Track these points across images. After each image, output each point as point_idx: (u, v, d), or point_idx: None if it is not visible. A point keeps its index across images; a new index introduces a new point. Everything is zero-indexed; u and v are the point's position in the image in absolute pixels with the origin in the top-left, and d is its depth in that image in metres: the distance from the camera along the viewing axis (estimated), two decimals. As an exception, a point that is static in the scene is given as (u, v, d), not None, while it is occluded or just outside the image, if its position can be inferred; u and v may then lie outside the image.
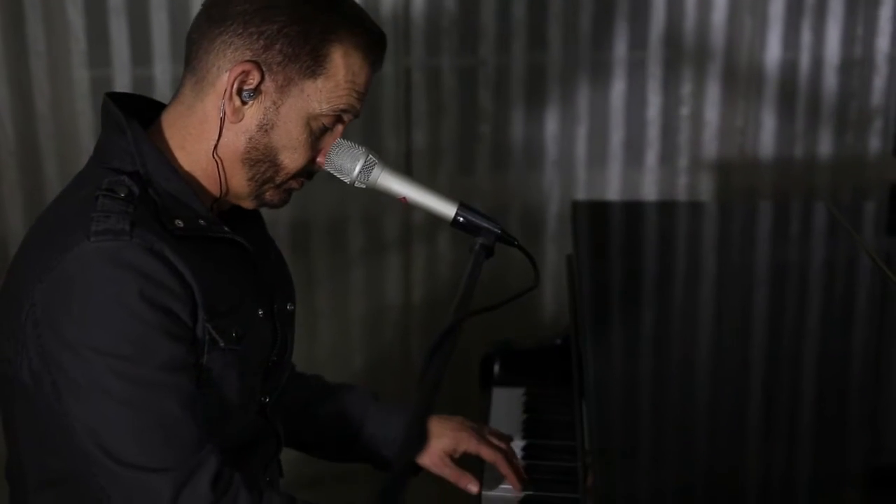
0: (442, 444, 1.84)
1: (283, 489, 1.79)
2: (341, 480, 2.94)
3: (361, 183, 1.61)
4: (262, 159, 1.59)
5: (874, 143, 3.37)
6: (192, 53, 1.59)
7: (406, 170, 3.07)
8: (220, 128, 1.57)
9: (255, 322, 1.63)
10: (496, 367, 2.31)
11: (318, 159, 1.62)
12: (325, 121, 1.59)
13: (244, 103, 1.56)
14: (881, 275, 2.16)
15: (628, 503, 1.50)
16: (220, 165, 1.59)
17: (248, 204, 1.65)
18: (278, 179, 1.61)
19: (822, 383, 1.83)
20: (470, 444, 1.85)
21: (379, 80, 3.02)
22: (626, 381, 1.86)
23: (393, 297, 3.19)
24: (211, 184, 1.61)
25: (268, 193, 1.63)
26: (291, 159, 1.59)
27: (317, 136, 1.60)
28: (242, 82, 1.54)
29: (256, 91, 1.55)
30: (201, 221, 1.56)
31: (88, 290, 1.46)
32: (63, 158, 2.79)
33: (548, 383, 2.25)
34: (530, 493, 1.83)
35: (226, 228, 1.60)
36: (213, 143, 1.57)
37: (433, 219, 3.11)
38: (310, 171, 1.64)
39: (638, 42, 3.18)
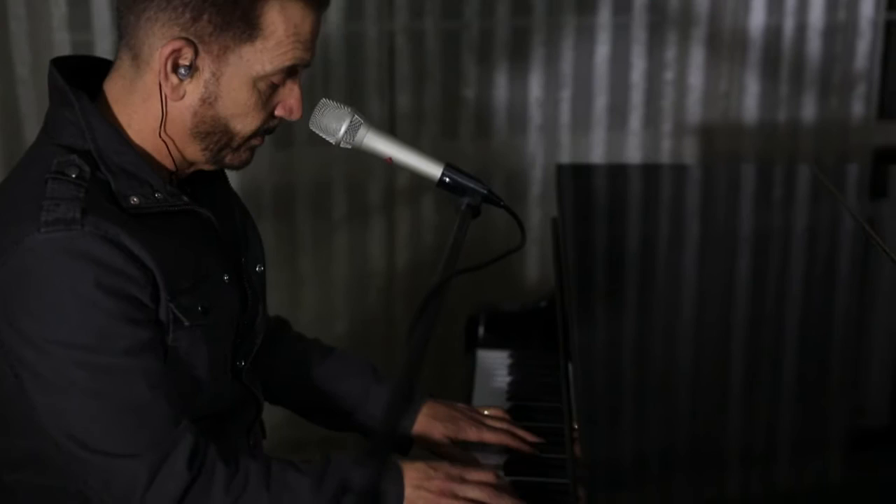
0: (446, 428, 1.82)
1: (265, 452, 1.78)
2: (326, 444, 2.94)
3: (347, 143, 1.58)
4: (212, 131, 1.54)
5: (857, 108, 3.38)
6: (122, 26, 1.52)
7: (390, 134, 3.06)
8: (164, 106, 1.52)
9: (221, 290, 1.60)
10: (481, 330, 2.30)
11: (277, 112, 1.57)
12: (274, 79, 1.53)
13: (182, 80, 1.50)
14: (865, 237, 2.16)
15: (612, 467, 1.50)
16: (169, 144, 1.54)
17: (208, 167, 1.61)
18: (235, 144, 1.57)
19: (806, 345, 1.84)
20: (470, 433, 1.83)
21: (362, 44, 3.00)
22: (610, 345, 1.86)
23: (376, 261, 3.19)
24: (163, 158, 1.56)
25: (227, 158, 1.58)
26: (244, 124, 1.54)
27: (267, 96, 1.54)
28: (176, 59, 1.48)
29: (192, 67, 1.49)
30: (157, 195, 1.51)
31: (43, 283, 1.43)
32: (44, 122, 2.77)
33: (533, 346, 2.25)
34: (515, 453, 1.83)
35: (185, 199, 1.55)
36: (159, 121, 1.53)
37: (417, 183, 3.14)
38: (267, 128, 1.58)
39: (622, 6, 3.17)
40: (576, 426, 1.59)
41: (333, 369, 1.89)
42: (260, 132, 1.58)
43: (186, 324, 1.52)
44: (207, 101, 1.52)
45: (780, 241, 2.29)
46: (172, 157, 1.56)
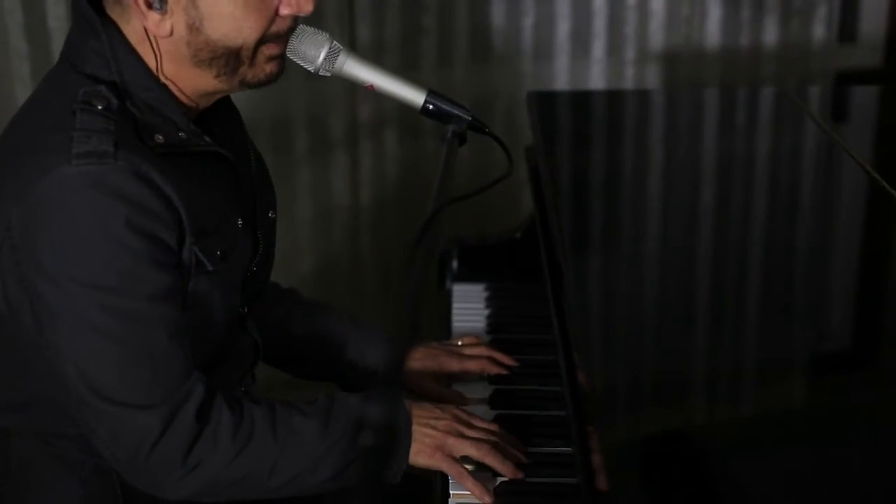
0: (425, 365, 1.79)
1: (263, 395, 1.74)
2: (292, 387, 2.90)
3: (326, 71, 1.51)
4: (214, 55, 1.45)
5: (818, 31, 3.36)
6: None
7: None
8: (156, 48, 1.44)
9: (236, 235, 1.54)
10: (454, 264, 2.27)
11: (282, 11, 1.45)
12: None
13: (163, 14, 1.41)
14: (829, 153, 2.15)
15: (613, 394, 1.49)
16: (171, 86, 1.47)
17: (236, 91, 1.52)
18: (245, 59, 1.46)
19: (775, 270, 1.82)
20: (453, 364, 1.81)
21: (320, -27, 2.92)
22: (602, 276, 1.83)
23: (340, 197, 3.13)
24: (180, 94, 1.48)
25: (248, 76, 1.48)
26: (242, 37, 1.44)
27: None
28: None
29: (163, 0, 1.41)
30: (181, 135, 1.45)
31: (71, 218, 1.36)
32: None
33: (508, 278, 2.21)
34: (500, 386, 1.81)
35: (207, 139, 1.49)
36: (158, 63, 1.45)
37: (379, 117, 3.07)
38: (277, 33, 1.46)
39: (584, -69, 3.12)
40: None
41: (311, 322, 1.85)
42: (269, 39, 1.46)
43: (209, 268, 1.46)
44: (194, 26, 1.43)
45: (767, 160, 2.27)
46: (185, 95, 1.49)
